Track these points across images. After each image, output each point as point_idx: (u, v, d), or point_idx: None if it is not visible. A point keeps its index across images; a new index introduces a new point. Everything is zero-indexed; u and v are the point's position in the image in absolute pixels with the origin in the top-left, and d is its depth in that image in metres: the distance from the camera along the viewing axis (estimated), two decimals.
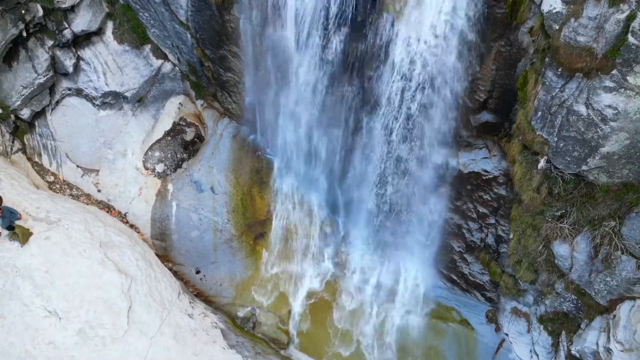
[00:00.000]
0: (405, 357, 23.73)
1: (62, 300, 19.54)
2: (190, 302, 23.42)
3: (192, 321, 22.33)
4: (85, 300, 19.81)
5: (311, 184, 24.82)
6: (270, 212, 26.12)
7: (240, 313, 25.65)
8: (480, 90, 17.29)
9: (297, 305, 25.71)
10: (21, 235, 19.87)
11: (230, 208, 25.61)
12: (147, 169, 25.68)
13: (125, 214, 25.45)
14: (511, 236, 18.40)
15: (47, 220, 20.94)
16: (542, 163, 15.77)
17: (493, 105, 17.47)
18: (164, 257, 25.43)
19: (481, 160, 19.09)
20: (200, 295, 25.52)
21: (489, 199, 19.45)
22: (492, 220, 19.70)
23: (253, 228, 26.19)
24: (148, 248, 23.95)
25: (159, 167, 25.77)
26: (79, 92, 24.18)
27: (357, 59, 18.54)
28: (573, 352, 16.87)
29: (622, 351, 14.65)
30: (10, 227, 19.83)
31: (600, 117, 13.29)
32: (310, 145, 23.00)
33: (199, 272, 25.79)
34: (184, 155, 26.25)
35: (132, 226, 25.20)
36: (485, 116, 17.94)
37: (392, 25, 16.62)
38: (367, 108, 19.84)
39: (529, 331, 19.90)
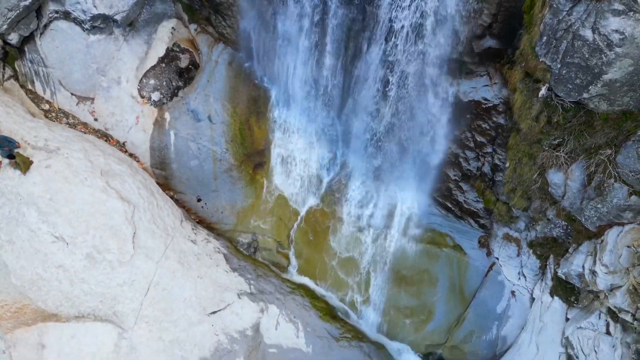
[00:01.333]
0: (399, 280, 24.93)
1: (68, 226, 20.14)
2: (193, 229, 24.18)
3: (195, 246, 23.20)
4: (90, 227, 20.43)
5: (309, 114, 24.58)
6: (269, 142, 26.12)
7: (242, 239, 26.56)
8: (485, 14, 16.61)
9: (296, 230, 26.55)
10: (22, 164, 20.02)
11: (229, 137, 25.56)
12: (142, 97, 25.25)
13: (123, 143, 25.44)
14: (507, 165, 18.62)
15: (46, 149, 21.00)
16: (543, 91, 15.58)
17: (497, 29, 16.87)
18: (165, 185, 25.81)
19: (482, 89, 18.79)
20: (202, 222, 26.26)
21: (488, 127, 19.40)
22: (489, 149, 19.80)
23: (252, 158, 26.34)
24: (149, 177, 24.25)
25: (155, 96, 25.33)
26: (67, 15, 23.12)
27: None
28: (559, 274, 17.76)
29: (606, 273, 15.43)
30: (11, 156, 19.95)
31: (606, 43, 12.93)
32: (309, 73, 22.48)
33: (200, 200, 26.32)
34: (180, 83, 25.69)
35: (131, 155, 25.29)
36: (489, 42, 17.39)
37: None
38: (368, 32, 19.16)
39: (518, 255, 20.79)
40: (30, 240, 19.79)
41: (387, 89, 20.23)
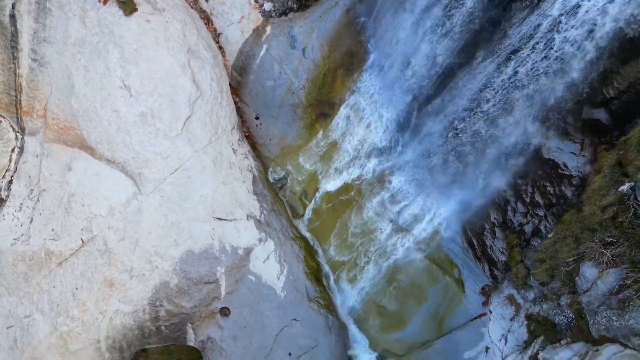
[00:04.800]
0: (392, 281, 25.09)
1: (138, 80, 21.09)
2: (239, 140, 24.89)
3: (233, 156, 23.95)
4: (156, 91, 21.33)
5: (394, 94, 24.25)
6: (343, 99, 26.07)
7: (275, 171, 27.18)
8: (612, 87, 15.64)
9: (325, 190, 26.87)
10: (127, 6, 20.85)
11: (311, 77, 25.66)
12: (256, 1, 25.50)
13: (219, 34, 25.99)
14: (550, 235, 18.02)
15: (153, 5, 21.74)
16: (625, 187, 14.78)
17: (616, 107, 15.89)
18: (235, 90, 26.43)
19: (567, 154, 17.97)
20: (249, 138, 26.95)
21: (551, 192, 18.69)
22: (541, 213, 19.15)
23: (321, 106, 26.44)
24: (225, 74, 24.85)
25: (267, 5, 25.52)
26: None
27: None
28: (540, 357, 17.44)
29: None
30: None
31: None
32: (415, 55, 22.00)
33: (258, 118, 26.88)
34: (294, 5, 25.71)
35: (220, 48, 25.87)
36: (601, 114, 16.45)
37: None
38: (490, 44, 18.45)
39: (512, 319, 20.45)
40: (102, 76, 20.89)
41: (480, 105, 19.64)
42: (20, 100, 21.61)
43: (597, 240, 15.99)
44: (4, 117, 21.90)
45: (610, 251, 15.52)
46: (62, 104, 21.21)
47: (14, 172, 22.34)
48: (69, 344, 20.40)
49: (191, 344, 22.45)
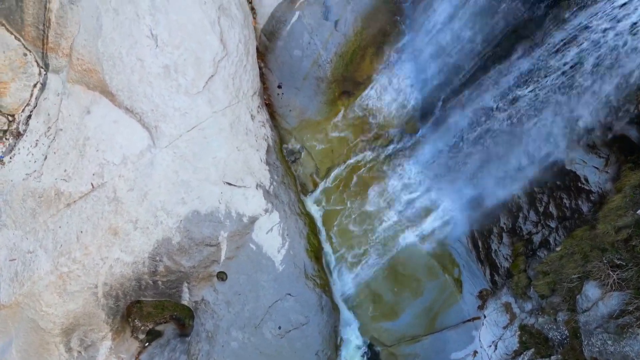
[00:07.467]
0: (391, 271, 25.01)
1: (166, 31, 20.77)
2: (258, 107, 24.59)
3: (251, 122, 23.71)
4: (182, 45, 21.01)
5: (422, 79, 23.60)
6: (370, 80, 25.47)
7: (290, 144, 26.92)
8: None
9: (338, 171, 26.59)
10: None
11: (340, 51, 25.03)
12: None
13: None
14: (558, 249, 17.65)
15: None
16: None
17: None
18: (261, 55, 25.95)
19: (590, 168, 17.39)
20: (269, 106, 26.62)
21: (567, 205, 18.20)
22: (552, 224, 18.72)
23: (346, 83, 25.88)
24: (254, 38, 24.38)
25: None
26: None
27: None
28: None
29: None
30: None
31: None
32: (450, 41, 21.22)
33: (281, 87, 26.47)
34: None
35: (252, 9, 25.28)
36: (633, 132, 15.78)
37: None
38: (531, 42, 17.67)
39: (505, 327, 20.31)
40: (131, 22, 20.59)
41: (511, 100, 19.00)
42: (47, 36, 21.50)
43: (605, 261, 15.60)
44: (30, 51, 21.86)
45: (618, 274, 15.15)
46: (89, 44, 21.05)
47: (34, 107, 22.45)
48: (67, 284, 20.85)
49: (185, 302, 22.82)
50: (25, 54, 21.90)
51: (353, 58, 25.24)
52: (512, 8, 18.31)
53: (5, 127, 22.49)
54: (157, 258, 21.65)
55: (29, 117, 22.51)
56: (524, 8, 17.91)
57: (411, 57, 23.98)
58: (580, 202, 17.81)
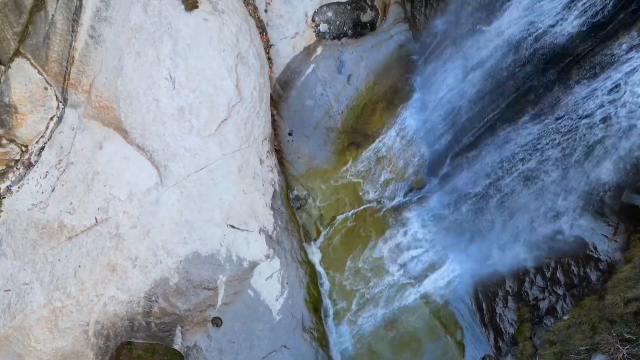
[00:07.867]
0: (391, 328, 24.16)
1: (184, 75, 21.42)
2: (268, 152, 24.87)
3: (259, 166, 23.90)
4: (199, 89, 21.59)
5: (430, 136, 23.90)
6: (378, 133, 25.87)
7: (297, 191, 26.96)
8: None
9: (342, 220, 26.40)
10: (190, 2, 21.34)
11: (351, 104, 25.61)
12: (313, 21, 25.83)
13: (270, 46, 26.33)
14: (565, 318, 17.09)
15: (214, 6, 22.20)
16: None
17: None
18: (275, 102, 26.58)
19: (598, 236, 17.14)
20: (278, 152, 26.92)
21: (575, 272, 17.79)
22: (560, 292, 18.23)
23: (355, 135, 26.29)
24: (268, 86, 25.05)
25: (323, 27, 25.79)
26: None
27: (574, 53, 16.33)
28: None
29: None
30: None
31: None
32: (458, 103, 21.67)
33: (291, 134, 26.89)
34: (349, 31, 25.94)
35: (269, 59, 26.16)
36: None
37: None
38: (538, 108, 17.97)
39: None
40: (151, 64, 21.32)
41: (516, 165, 19.07)
42: (69, 72, 22.25)
43: (614, 334, 15.05)
44: (51, 85, 22.56)
45: (627, 349, 14.57)
46: (109, 83, 21.71)
47: (48, 139, 22.86)
48: (59, 320, 20.34)
49: (177, 347, 22.07)
50: (46, 88, 22.58)
51: (364, 111, 25.78)
52: (522, 73, 18.76)
53: (18, 157, 22.81)
54: (153, 298, 21.19)
55: (42, 148, 22.87)
56: (533, 74, 18.33)
57: (421, 114, 24.44)
58: (588, 270, 17.43)
